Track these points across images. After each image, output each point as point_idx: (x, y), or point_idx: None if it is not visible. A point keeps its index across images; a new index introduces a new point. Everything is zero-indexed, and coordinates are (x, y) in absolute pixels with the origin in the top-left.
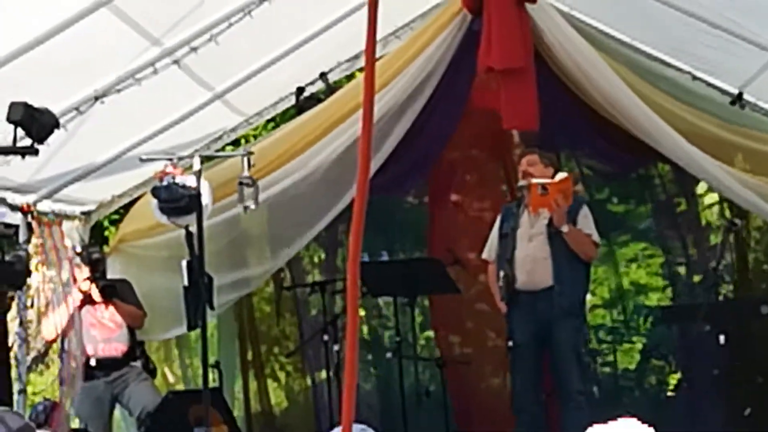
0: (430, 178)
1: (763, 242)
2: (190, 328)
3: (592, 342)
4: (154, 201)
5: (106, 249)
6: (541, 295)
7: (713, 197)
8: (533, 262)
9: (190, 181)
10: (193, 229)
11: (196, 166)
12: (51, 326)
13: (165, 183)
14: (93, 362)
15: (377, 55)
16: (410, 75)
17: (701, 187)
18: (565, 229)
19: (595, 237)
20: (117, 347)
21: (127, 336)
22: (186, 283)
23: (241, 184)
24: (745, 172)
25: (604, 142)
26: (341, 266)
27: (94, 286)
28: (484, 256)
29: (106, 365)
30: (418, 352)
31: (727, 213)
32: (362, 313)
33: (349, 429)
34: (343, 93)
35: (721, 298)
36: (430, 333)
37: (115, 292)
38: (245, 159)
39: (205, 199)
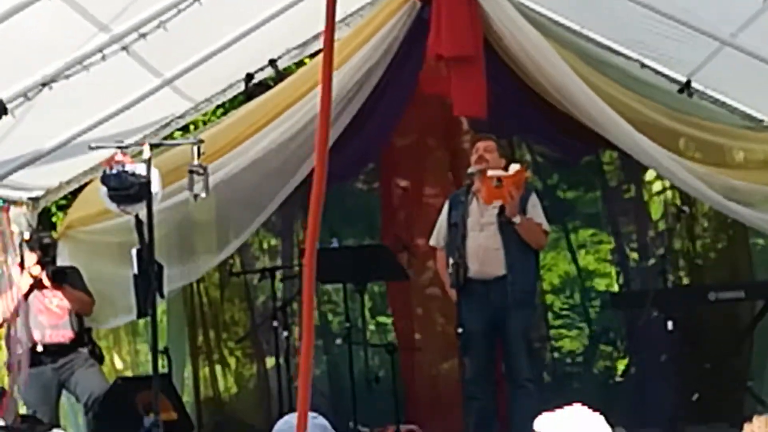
0: (380, 165)
1: (710, 229)
2: (140, 315)
3: (542, 327)
4: (104, 189)
5: (54, 234)
6: (493, 284)
7: (661, 184)
8: (485, 252)
9: (139, 169)
10: (143, 216)
11: (146, 154)
12: (2, 308)
13: (115, 171)
14: (40, 348)
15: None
16: (358, 61)
17: (649, 174)
18: (517, 220)
19: (545, 226)
20: (64, 334)
21: (74, 322)
22: (136, 271)
23: (191, 172)
24: (693, 160)
25: (553, 128)
26: (290, 252)
27: (44, 271)
28: (432, 243)
29: (53, 351)
30: (368, 338)
31: (676, 200)
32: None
33: (305, 416)
34: (292, 79)
35: (669, 284)
36: (380, 318)
37: (65, 278)
38: (195, 147)
39: (155, 187)
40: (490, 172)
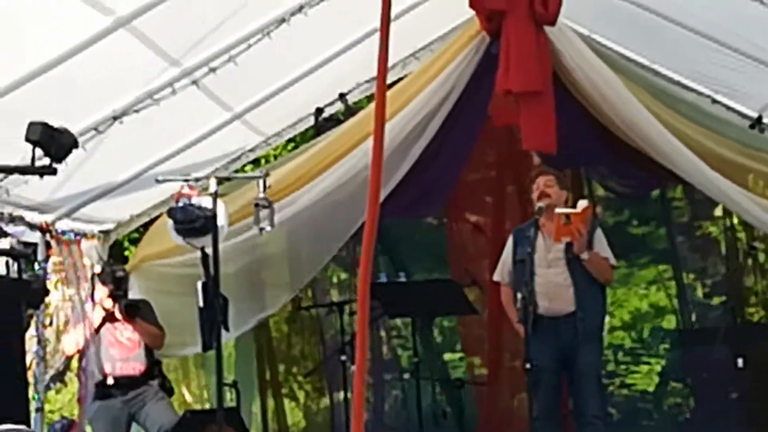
0: (449, 199)
1: None
2: (205, 348)
3: (611, 364)
4: (170, 222)
5: (126, 268)
6: (563, 321)
7: (731, 220)
8: (555, 289)
9: (205, 202)
10: (209, 250)
11: (212, 187)
12: (72, 342)
13: (181, 204)
14: (110, 381)
15: (396, 77)
16: (428, 96)
17: (719, 210)
18: (585, 256)
19: (612, 260)
20: (135, 366)
21: (145, 355)
22: (201, 304)
23: (257, 205)
24: (764, 196)
25: (622, 162)
26: None
27: (116, 304)
28: (496, 278)
29: (124, 384)
30: (437, 373)
31: (746, 236)
32: (381, 334)
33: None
34: (362, 115)
35: (739, 321)
36: (449, 353)
37: (137, 311)
38: (261, 181)
39: (221, 220)
40: (558, 210)
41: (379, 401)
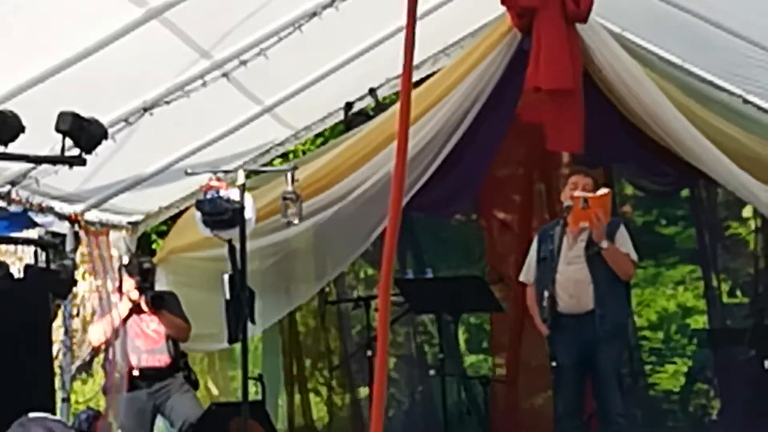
0: (480, 196)
1: None
2: (231, 341)
3: (637, 364)
4: (198, 214)
5: (153, 260)
6: (584, 319)
7: (761, 220)
8: (575, 286)
9: (233, 194)
10: (237, 243)
11: (241, 180)
12: (99, 332)
13: (209, 196)
14: (136, 372)
15: (426, 73)
16: (460, 93)
17: (748, 210)
18: (604, 244)
19: (633, 255)
20: (160, 358)
21: (170, 347)
22: (228, 296)
23: (285, 198)
24: None
25: (652, 161)
26: None
27: (142, 296)
28: (521, 278)
29: (149, 376)
30: (463, 370)
31: None
32: (407, 330)
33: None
34: (392, 111)
35: (767, 322)
36: (475, 351)
37: (163, 303)
38: (289, 174)
39: (249, 213)
40: (576, 193)
41: (404, 398)
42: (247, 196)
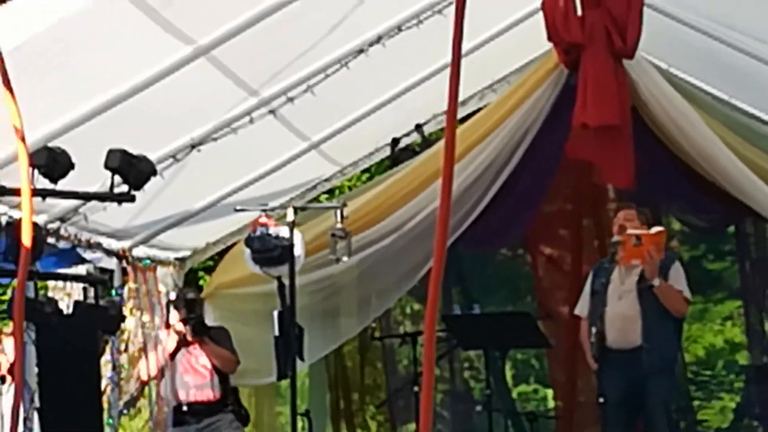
0: (527, 231)
1: None
2: (280, 377)
3: (685, 400)
4: (247, 251)
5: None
6: (632, 354)
7: None
8: (623, 320)
9: (283, 232)
10: (286, 280)
11: (290, 217)
12: (146, 368)
13: (258, 233)
14: (185, 408)
15: (473, 109)
16: (508, 130)
17: None
18: (656, 282)
19: (687, 293)
20: (209, 393)
21: (219, 382)
22: (277, 333)
23: (333, 235)
24: None
25: (699, 196)
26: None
27: (187, 326)
28: (577, 311)
29: (198, 411)
30: (510, 406)
31: None
32: (454, 365)
33: None
34: (438, 147)
35: None
36: (522, 386)
37: (206, 330)
38: (338, 211)
39: (298, 250)
40: (629, 231)
41: None
42: (297, 233)
